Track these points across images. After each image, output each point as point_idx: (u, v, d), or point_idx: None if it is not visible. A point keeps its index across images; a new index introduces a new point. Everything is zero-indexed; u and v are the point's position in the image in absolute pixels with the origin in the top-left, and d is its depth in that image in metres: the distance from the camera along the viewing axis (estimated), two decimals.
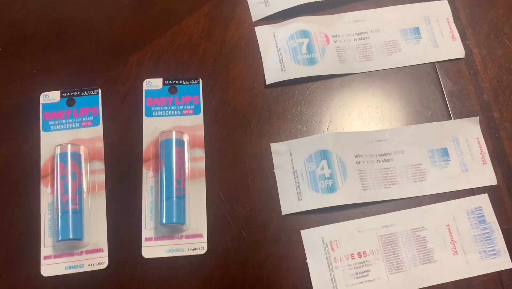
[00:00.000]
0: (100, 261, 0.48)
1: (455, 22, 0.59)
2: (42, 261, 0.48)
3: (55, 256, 0.48)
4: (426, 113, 0.55)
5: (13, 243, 0.49)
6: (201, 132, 0.53)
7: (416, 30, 0.59)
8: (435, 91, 0.56)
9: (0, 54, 0.55)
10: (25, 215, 0.49)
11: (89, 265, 0.48)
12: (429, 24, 0.59)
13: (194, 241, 0.49)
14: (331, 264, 0.49)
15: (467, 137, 0.54)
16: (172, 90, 0.54)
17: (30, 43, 0.56)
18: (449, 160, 0.53)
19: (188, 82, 0.54)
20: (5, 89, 0.54)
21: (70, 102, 0.53)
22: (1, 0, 0.58)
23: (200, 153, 0.52)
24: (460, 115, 0.55)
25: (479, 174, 0.53)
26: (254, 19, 0.58)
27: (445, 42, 0.58)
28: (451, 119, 0.55)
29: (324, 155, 0.52)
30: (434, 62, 0.57)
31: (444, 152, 0.54)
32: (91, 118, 0.53)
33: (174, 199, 0.48)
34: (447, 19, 0.59)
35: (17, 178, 0.51)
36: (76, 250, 0.48)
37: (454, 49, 0.58)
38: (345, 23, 0.58)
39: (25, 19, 0.57)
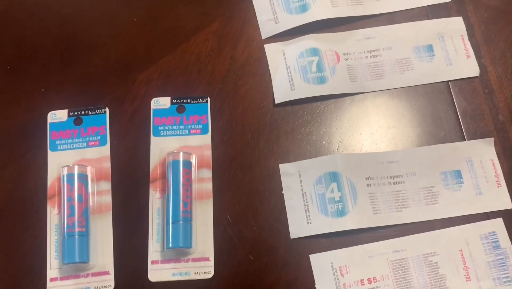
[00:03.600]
0: (106, 284, 0.48)
1: (469, 39, 0.58)
2: (48, 283, 0.48)
3: (62, 278, 0.48)
4: (439, 134, 0.54)
5: (19, 264, 0.48)
6: (208, 153, 0.52)
7: (430, 48, 0.57)
8: (448, 111, 0.55)
9: (7, 72, 0.55)
10: (31, 236, 0.49)
11: (95, 288, 0.48)
12: (443, 42, 0.58)
13: (200, 264, 0.48)
14: None
15: (481, 159, 0.53)
16: (180, 109, 0.53)
17: (37, 61, 0.56)
18: (463, 183, 0.52)
19: (196, 101, 0.54)
20: (13, 107, 0.54)
21: (78, 121, 0.53)
22: (8, 17, 0.57)
23: (208, 173, 0.51)
24: (474, 136, 0.54)
25: (494, 197, 0.51)
26: (263, 36, 0.57)
27: (459, 60, 0.57)
28: (465, 140, 0.54)
29: (334, 177, 0.51)
30: (447, 81, 0.56)
31: (458, 174, 0.52)
32: (99, 137, 0.52)
33: (181, 222, 0.47)
34: (461, 36, 0.58)
35: (24, 198, 0.50)
36: (82, 272, 0.48)
37: (469, 67, 0.56)
38: (356, 40, 0.57)
39: (33, 36, 0.57)
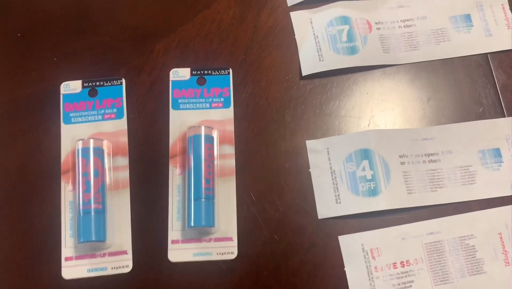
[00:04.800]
0: (124, 264, 0.45)
1: (511, 8, 0.54)
2: (63, 263, 0.45)
3: (77, 258, 0.45)
4: (477, 109, 0.50)
5: (32, 243, 0.46)
6: (231, 128, 0.49)
7: (467, 17, 0.53)
8: (487, 85, 0.51)
9: (18, 40, 0.52)
10: (45, 214, 0.47)
11: (112, 268, 0.45)
12: (482, 11, 0.54)
13: (223, 244, 0.46)
14: (371, 274, 0.45)
15: None
16: (201, 81, 0.50)
17: (49, 29, 0.52)
18: (502, 162, 0.49)
19: (217, 73, 0.50)
20: (24, 78, 0.51)
21: (92, 92, 0.50)
22: None
23: (230, 149, 0.48)
24: None
25: None
26: (289, 3, 0.53)
27: (499, 31, 0.53)
28: (505, 116, 0.50)
29: (365, 154, 0.48)
30: (486, 53, 0.52)
31: (497, 153, 0.49)
32: (115, 110, 0.49)
33: (203, 200, 0.45)
34: (502, 5, 0.54)
35: (37, 174, 0.48)
36: (98, 252, 0.45)
37: (510, 38, 0.52)
38: (389, 8, 0.53)
39: (44, 2, 0.53)
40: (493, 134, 0.50)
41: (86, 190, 0.45)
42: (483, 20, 0.53)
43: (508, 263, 0.46)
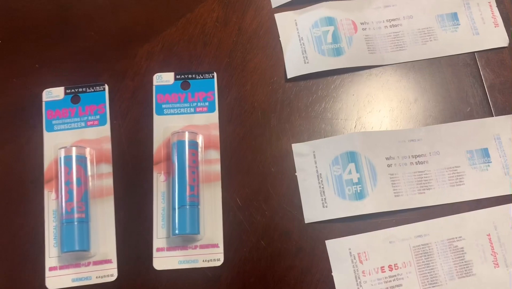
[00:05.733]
0: (108, 273, 0.45)
1: (497, 6, 0.53)
2: (47, 273, 0.45)
3: (61, 267, 0.45)
4: (464, 109, 0.50)
5: (16, 252, 0.45)
6: (216, 132, 0.48)
7: (454, 16, 0.53)
8: (474, 84, 0.51)
9: None
10: (28, 223, 0.46)
11: (97, 277, 0.45)
12: (469, 9, 0.53)
13: (209, 251, 0.45)
14: (359, 278, 0.45)
15: (510, 136, 0.49)
16: (185, 85, 0.49)
17: (31, 35, 0.52)
18: (490, 162, 0.48)
19: (201, 77, 0.50)
20: (5, 85, 0.50)
21: (75, 99, 0.49)
22: None
23: (215, 154, 0.48)
24: (502, 111, 0.50)
25: None
26: (274, 5, 0.53)
27: (486, 29, 0.52)
28: (493, 116, 0.50)
29: (351, 157, 0.47)
30: (474, 52, 0.52)
31: (485, 153, 0.48)
32: (98, 116, 0.49)
33: (188, 207, 0.44)
34: (489, 3, 0.53)
35: (20, 182, 0.47)
36: (83, 261, 0.45)
37: (497, 37, 0.52)
38: (375, 8, 0.53)
39: (26, 8, 0.53)
40: (481, 134, 0.49)
41: (69, 199, 0.44)
42: (470, 18, 0.53)
43: (497, 264, 0.45)
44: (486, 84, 0.51)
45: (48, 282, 0.44)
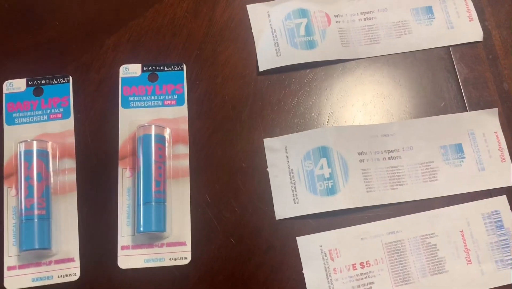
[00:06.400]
0: (71, 272, 0.43)
1: (473, 0, 0.52)
2: (6, 272, 0.43)
3: (20, 267, 0.43)
4: (438, 104, 0.49)
5: None
6: (185, 126, 0.47)
7: (429, 9, 0.52)
8: (449, 79, 0.50)
9: None
10: None
11: (58, 277, 0.43)
12: (444, 3, 0.52)
13: (176, 249, 0.44)
14: (330, 276, 0.44)
15: (484, 131, 0.48)
16: (152, 77, 0.48)
17: None
18: (464, 157, 0.48)
19: (170, 69, 0.48)
20: None
21: (38, 91, 0.47)
22: None
23: (184, 149, 0.46)
24: (477, 106, 0.49)
25: (497, 173, 0.47)
26: None
27: (461, 23, 0.51)
28: (467, 111, 0.49)
29: (323, 152, 0.46)
30: (448, 46, 0.51)
31: (459, 148, 0.48)
32: (61, 110, 0.47)
33: (153, 203, 0.43)
34: None
35: None
36: (44, 260, 0.43)
37: (471, 31, 0.51)
38: (349, 1, 0.52)
39: None
40: (455, 129, 0.48)
41: (29, 195, 0.42)
42: (445, 12, 0.52)
43: (470, 261, 0.45)
44: (460, 78, 0.50)
45: (6, 282, 0.42)
